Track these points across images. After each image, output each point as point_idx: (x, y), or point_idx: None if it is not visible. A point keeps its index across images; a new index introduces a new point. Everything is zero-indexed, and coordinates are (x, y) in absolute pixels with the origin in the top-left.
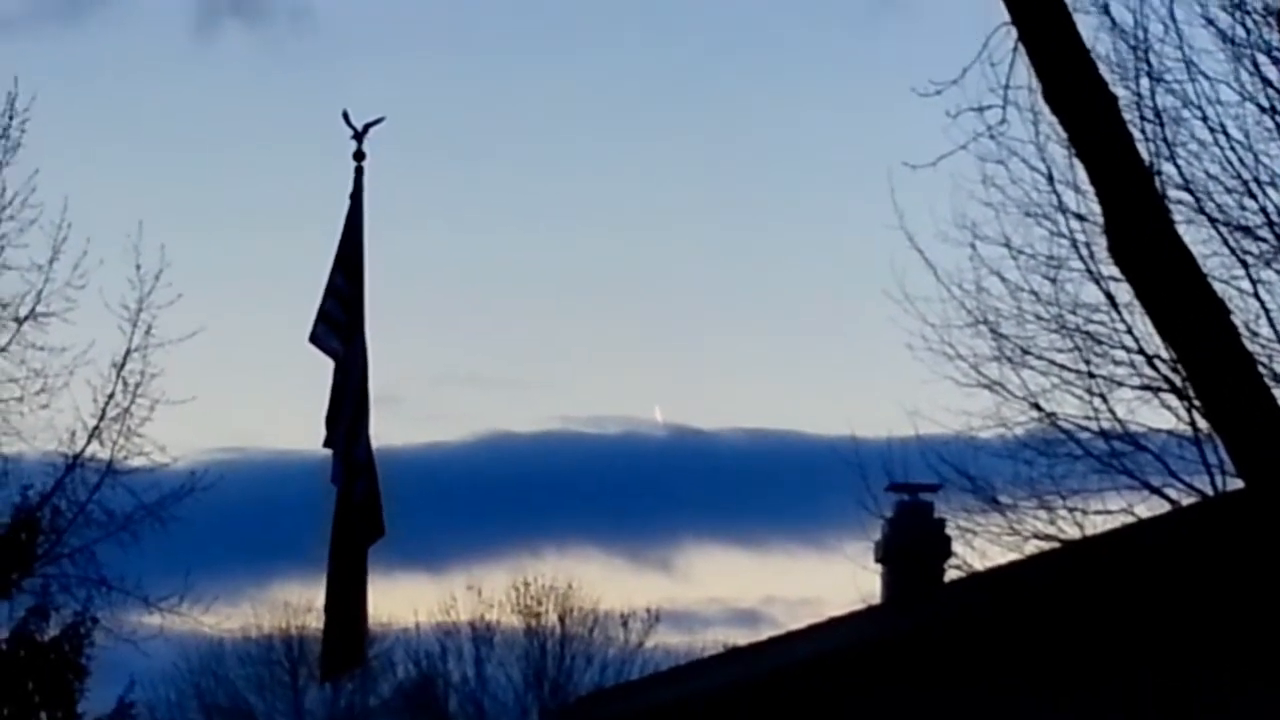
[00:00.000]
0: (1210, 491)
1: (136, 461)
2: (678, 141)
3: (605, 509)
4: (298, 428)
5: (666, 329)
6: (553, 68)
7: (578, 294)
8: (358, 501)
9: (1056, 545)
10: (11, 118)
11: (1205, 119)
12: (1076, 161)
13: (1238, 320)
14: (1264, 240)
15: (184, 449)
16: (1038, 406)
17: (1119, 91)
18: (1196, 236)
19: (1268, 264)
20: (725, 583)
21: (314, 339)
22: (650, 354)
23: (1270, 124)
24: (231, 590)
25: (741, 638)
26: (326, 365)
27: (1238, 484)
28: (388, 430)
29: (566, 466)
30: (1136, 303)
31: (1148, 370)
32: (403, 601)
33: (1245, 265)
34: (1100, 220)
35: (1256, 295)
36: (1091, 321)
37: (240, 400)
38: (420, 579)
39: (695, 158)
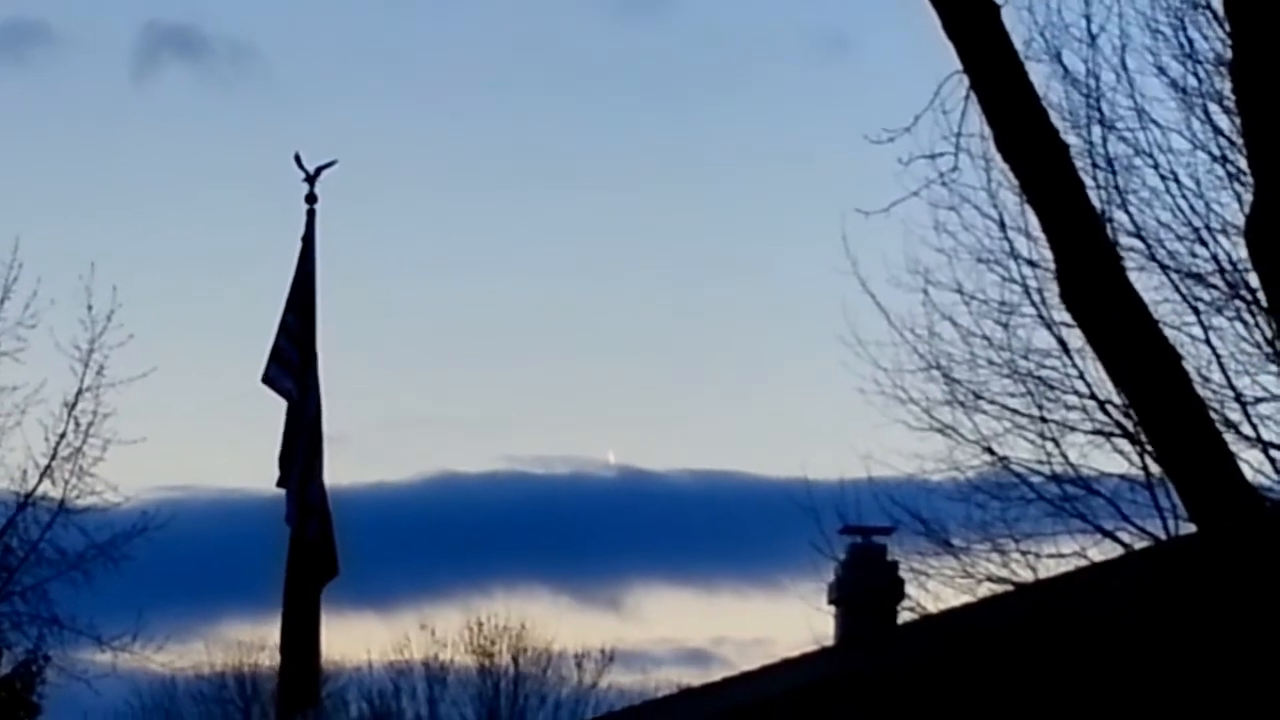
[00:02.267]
0: (1162, 535)
1: (88, 500)
2: (628, 186)
3: (554, 549)
4: (244, 467)
5: (615, 370)
6: (501, 113)
7: (525, 335)
8: (311, 541)
9: (1010, 588)
10: None
11: (1157, 167)
12: (1028, 208)
13: (1189, 366)
14: (1215, 287)
15: (133, 488)
16: (990, 450)
17: (1070, 139)
18: (1148, 283)
19: (1219, 311)
20: (675, 623)
21: (267, 379)
22: (598, 395)
23: (1222, 172)
24: (183, 628)
25: (692, 677)
26: (274, 404)
27: (1189, 528)
28: (335, 470)
29: (515, 507)
30: (1088, 348)
31: (1100, 415)
32: (353, 640)
33: (1197, 312)
34: (1052, 266)
35: (1208, 341)
36: (1044, 367)
37: (188, 439)
38: (369, 618)
39: (646, 201)
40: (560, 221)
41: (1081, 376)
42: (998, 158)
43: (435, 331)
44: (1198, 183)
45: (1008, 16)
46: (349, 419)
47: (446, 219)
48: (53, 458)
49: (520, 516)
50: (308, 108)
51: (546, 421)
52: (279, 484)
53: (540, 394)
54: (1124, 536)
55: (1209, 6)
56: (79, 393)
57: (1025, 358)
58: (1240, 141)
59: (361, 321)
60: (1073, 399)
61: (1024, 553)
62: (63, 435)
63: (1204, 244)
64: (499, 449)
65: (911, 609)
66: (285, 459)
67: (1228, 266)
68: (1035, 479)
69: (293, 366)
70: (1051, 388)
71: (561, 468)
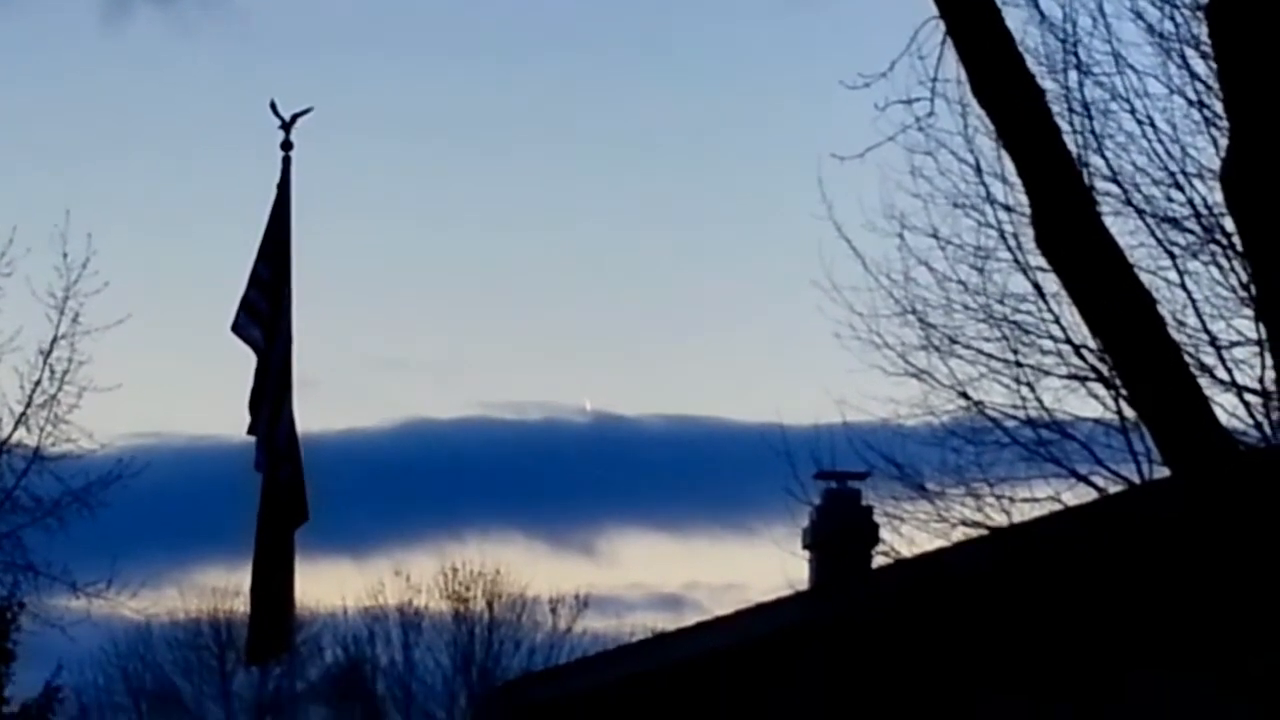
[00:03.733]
0: (1136, 479)
1: (63, 448)
2: (604, 132)
3: (528, 495)
4: (217, 414)
5: (589, 316)
6: (476, 59)
7: (498, 281)
8: (282, 486)
9: (984, 532)
10: None
11: (1133, 111)
12: (1004, 153)
13: (1164, 311)
14: (1191, 232)
15: (106, 435)
16: (965, 395)
17: (1047, 84)
18: (1124, 228)
19: (1194, 255)
20: (648, 568)
21: (236, 328)
22: (572, 341)
23: (1198, 117)
24: (157, 575)
25: (665, 622)
26: (247, 351)
27: (1164, 472)
28: (307, 416)
29: (488, 453)
30: (1064, 293)
31: (1075, 359)
32: (327, 586)
33: (1172, 256)
34: (1028, 211)
35: (1183, 286)
36: (1019, 311)
37: (162, 386)
38: (343, 564)
39: (622, 148)
40: (535, 167)
41: (1057, 321)
42: (974, 103)
43: (407, 276)
44: (1174, 127)
45: None
46: (320, 364)
47: (421, 165)
48: (28, 405)
49: (494, 462)
50: (281, 54)
51: (520, 367)
52: (249, 431)
53: (514, 339)
54: (1098, 480)
55: None
56: (54, 340)
57: (1001, 302)
58: (1217, 86)
59: (334, 266)
60: (1048, 343)
61: (998, 497)
62: (38, 383)
63: (1180, 188)
64: (472, 395)
65: (886, 553)
66: (255, 406)
67: (1203, 211)
68: (1010, 423)
69: (261, 315)
70: (1027, 332)
71: (535, 413)
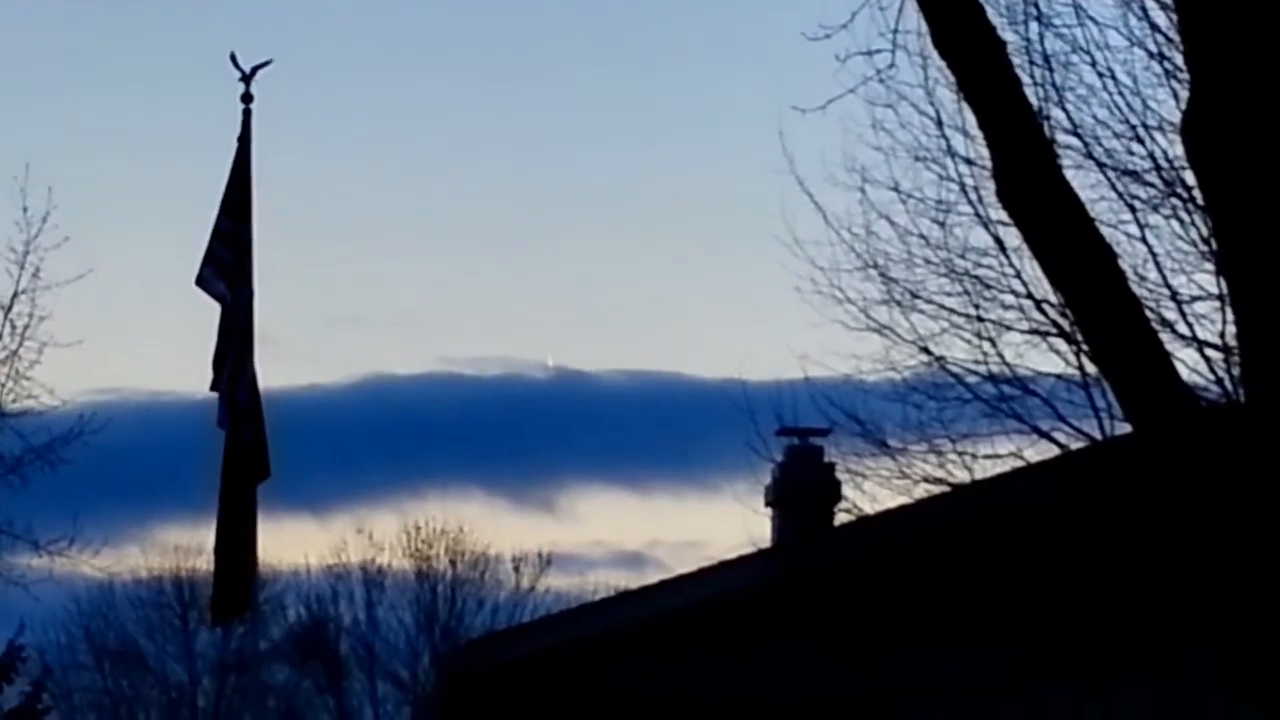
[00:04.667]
0: (1098, 435)
1: (24, 404)
2: (563, 82)
3: (488, 451)
4: (176, 369)
5: (548, 270)
6: (435, 8)
7: (457, 235)
8: (244, 443)
9: (946, 489)
10: None
11: (1094, 64)
12: (965, 106)
13: (1125, 265)
14: (1152, 185)
15: (66, 391)
16: (927, 350)
17: (1008, 36)
18: (1085, 181)
19: (1155, 209)
20: (609, 525)
21: (200, 282)
22: (532, 295)
23: (1158, 69)
24: (119, 533)
25: (626, 580)
26: (207, 307)
27: (1125, 428)
28: (267, 372)
29: (448, 409)
30: (1025, 247)
31: (1036, 314)
32: (289, 545)
33: (1133, 210)
34: (989, 165)
35: (1144, 240)
36: (980, 266)
37: (122, 342)
38: (305, 521)
39: (581, 98)
40: (497, 119)
41: (1018, 275)
42: (935, 55)
43: (366, 231)
44: (1135, 80)
45: None
46: (279, 319)
47: (380, 118)
48: None
49: (454, 418)
50: (239, 2)
51: (480, 322)
52: (212, 387)
53: (474, 294)
54: (1060, 437)
55: None
56: (14, 295)
57: (962, 256)
58: (1177, 38)
59: (292, 220)
60: (1009, 298)
61: (960, 453)
62: None
63: (1141, 141)
64: (432, 350)
65: (848, 510)
66: (218, 362)
67: (1164, 164)
68: (972, 379)
69: (226, 269)
70: (988, 287)
71: (495, 369)
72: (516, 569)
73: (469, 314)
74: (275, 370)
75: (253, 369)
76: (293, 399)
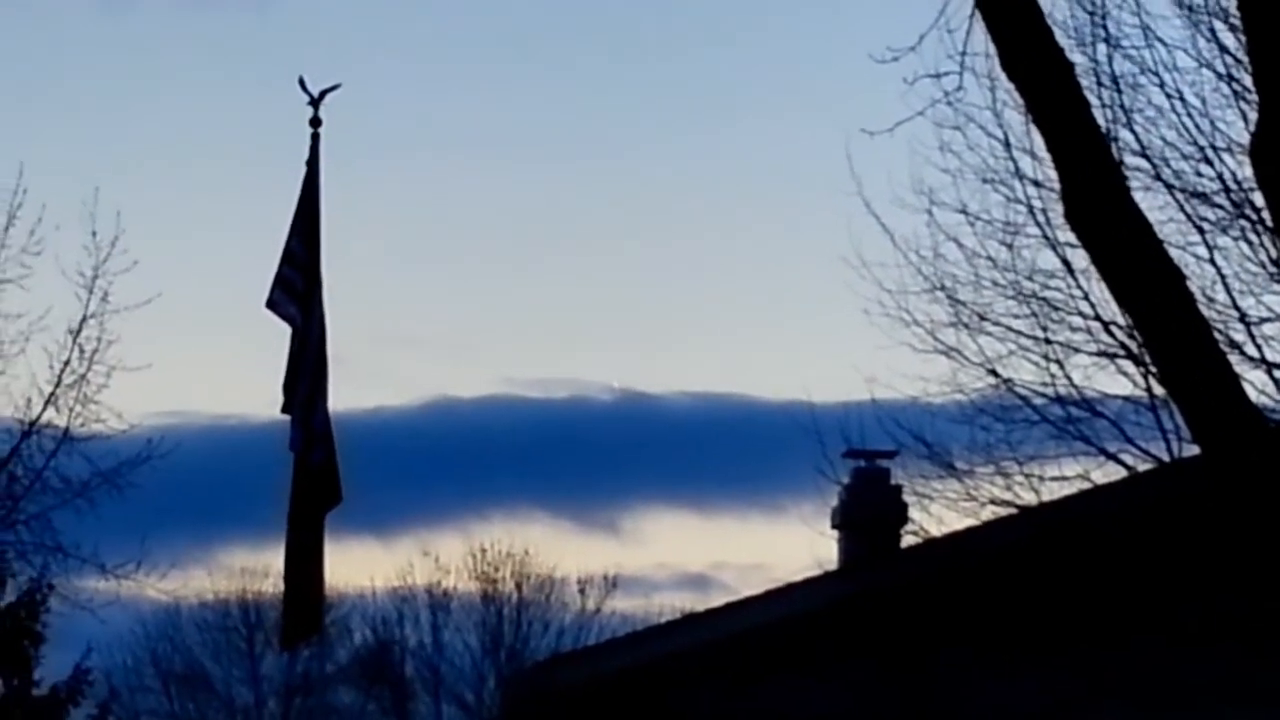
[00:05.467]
0: (1166, 457)
1: (93, 428)
2: (631, 106)
3: (553, 473)
4: (240, 392)
5: (615, 292)
6: (500, 32)
7: (523, 257)
8: (316, 468)
9: (1013, 511)
10: None
11: (1162, 85)
12: (1033, 128)
13: (1194, 286)
14: (1220, 207)
15: (133, 415)
16: (994, 372)
17: (1076, 58)
18: (1153, 203)
19: (1224, 231)
20: (675, 547)
21: (271, 305)
22: (598, 317)
23: (1227, 90)
24: (185, 556)
25: (691, 603)
26: (272, 330)
27: (1193, 450)
28: (334, 394)
29: (513, 431)
30: (1093, 269)
31: (1104, 336)
32: (354, 567)
33: (1201, 232)
34: (1057, 186)
35: (1213, 261)
36: (1048, 288)
37: (188, 365)
38: (369, 544)
39: (648, 121)
40: (562, 141)
41: (1086, 297)
42: (1003, 77)
43: (432, 252)
44: (1203, 101)
45: None
46: (344, 340)
47: (446, 139)
48: (57, 385)
49: (519, 441)
50: (307, 27)
51: (546, 344)
52: (283, 410)
53: (540, 316)
54: (1127, 458)
55: None
56: (83, 319)
57: (1030, 279)
58: (1246, 59)
59: (357, 242)
60: (1077, 320)
61: (1027, 475)
62: (67, 362)
63: (1209, 163)
64: (497, 372)
65: (915, 533)
66: (289, 385)
67: (1233, 186)
68: (1039, 401)
69: (297, 292)
70: (1056, 309)
71: (561, 391)
72: (582, 591)
73: (534, 336)
74: (341, 393)
75: (326, 395)
76: (359, 421)
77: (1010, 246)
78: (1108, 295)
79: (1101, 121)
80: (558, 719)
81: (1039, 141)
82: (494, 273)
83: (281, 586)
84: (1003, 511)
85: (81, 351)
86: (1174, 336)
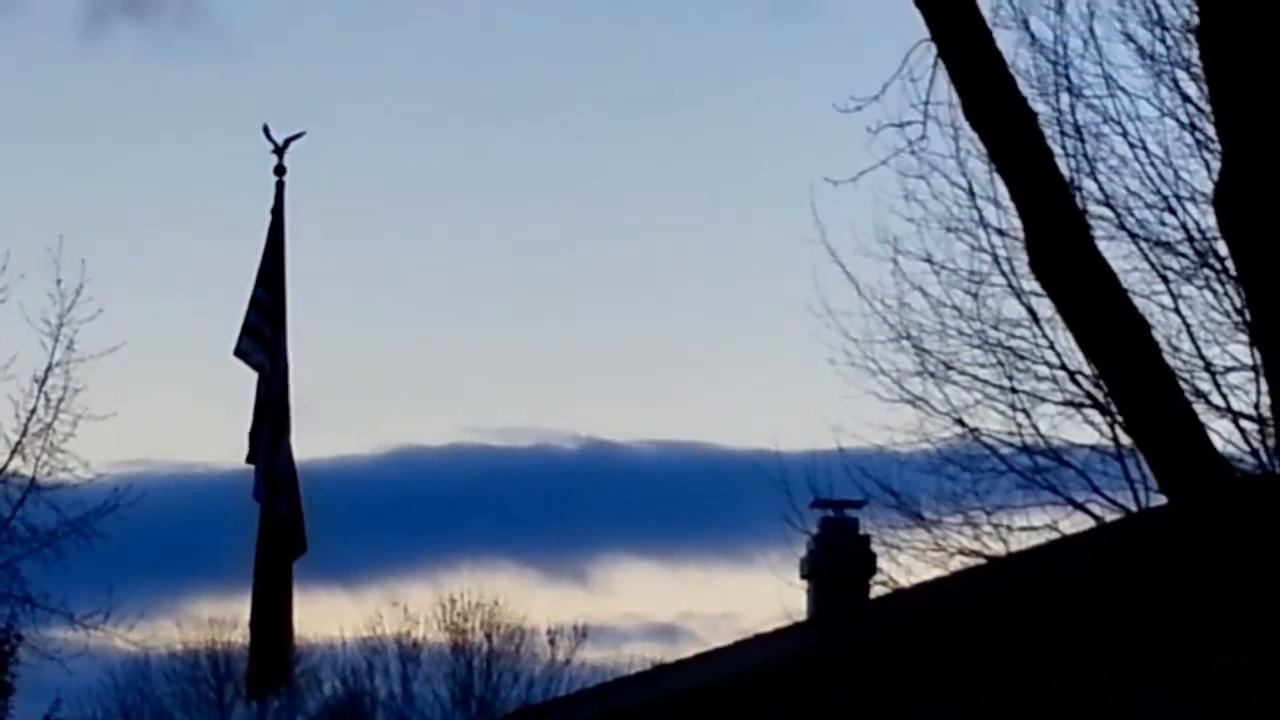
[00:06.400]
0: (1133, 507)
1: (59, 477)
2: (596, 155)
3: (520, 523)
4: (205, 441)
5: (579, 341)
6: (464, 79)
7: (486, 306)
8: (282, 518)
9: (982, 561)
10: None
11: (1125, 134)
12: (997, 177)
13: (1159, 336)
14: (1184, 256)
15: (99, 464)
16: (961, 421)
17: (1039, 107)
18: (1117, 252)
19: (1188, 280)
20: (642, 597)
21: (239, 353)
22: (561, 366)
23: (1190, 140)
24: (153, 606)
25: (661, 653)
26: (237, 379)
27: (1160, 499)
28: (297, 444)
29: (479, 480)
30: (1058, 318)
31: (1070, 386)
32: (323, 618)
33: (1166, 281)
34: (1021, 235)
35: (1177, 310)
36: (1014, 337)
37: (153, 414)
38: (337, 594)
39: (613, 170)
40: (528, 190)
41: (1052, 346)
42: (966, 126)
43: (394, 300)
44: (1166, 150)
45: None
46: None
47: (409, 188)
48: (23, 434)
49: (485, 490)
50: (273, 73)
51: (510, 393)
52: (248, 459)
53: (503, 365)
54: (1094, 508)
55: None
56: (49, 368)
57: (995, 328)
58: (1208, 109)
59: (320, 290)
60: (1043, 369)
61: (995, 525)
62: (33, 411)
63: (1173, 212)
64: (461, 421)
65: (884, 583)
66: (255, 434)
67: (1197, 235)
68: (1006, 450)
69: (264, 339)
70: (1022, 358)
71: (525, 440)
72: (552, 642)
73: (498, 385)
74: (306, 441)
75: (289, 442)
76: (325, 470)
77: (975, 295)
78: (1073, 344)
79: (1065, 171)
80: None
81: (1003, 190)
82: (458, 321)
83: (249, 637)
84: (971, 561)
85: (47, 400)
86: (1139, 386)
